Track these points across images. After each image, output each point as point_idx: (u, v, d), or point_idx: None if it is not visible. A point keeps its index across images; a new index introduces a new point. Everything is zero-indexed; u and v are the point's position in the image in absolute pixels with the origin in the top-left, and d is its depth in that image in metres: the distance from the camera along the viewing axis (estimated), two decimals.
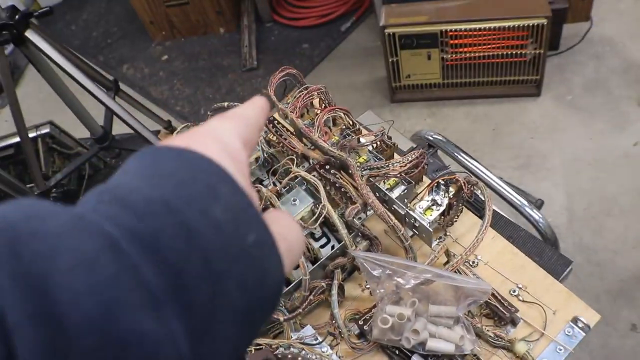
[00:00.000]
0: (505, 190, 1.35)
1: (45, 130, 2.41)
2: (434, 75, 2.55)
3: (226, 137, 0.39)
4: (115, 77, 2.22)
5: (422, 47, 2.43)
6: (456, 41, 2.43)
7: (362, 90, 2.79)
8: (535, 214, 1.33)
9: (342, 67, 2.95)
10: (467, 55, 2.47)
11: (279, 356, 0.85)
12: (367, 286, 1.07)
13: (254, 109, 0.45)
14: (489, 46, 2.43)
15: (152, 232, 0.29)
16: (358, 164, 1.07)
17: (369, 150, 1.15)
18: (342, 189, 1.06)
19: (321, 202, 1.00)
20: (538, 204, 1.59)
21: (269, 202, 1.05)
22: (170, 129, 2.18)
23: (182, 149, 0.35)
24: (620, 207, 2.20)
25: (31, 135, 2.35)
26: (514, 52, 2.43)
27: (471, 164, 1.40)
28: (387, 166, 1.02)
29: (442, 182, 1.05)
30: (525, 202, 1.34)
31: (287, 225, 0.39)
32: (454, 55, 2.48)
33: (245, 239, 0.32)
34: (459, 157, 1.42)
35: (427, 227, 1.02)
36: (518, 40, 2.38)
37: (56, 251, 0.27)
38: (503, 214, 1.29)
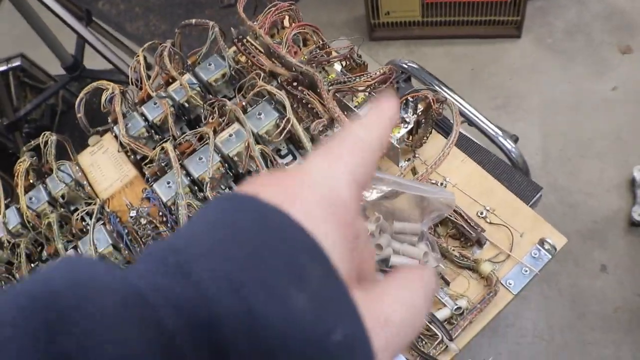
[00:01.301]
0: (478, 118, 1.33)
1: (17, 63, 2.35)
2: (413, 12, 2.49)
3: (335, 190, 0.30)
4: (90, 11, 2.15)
5: None
6: None
7: (340, 28, 2.73)
8: (507, 143, 1.31)
9: (322, 4, 2.88)
10: None
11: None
12: None
13: (379, 122, 0.35)
14: None
15: (213, 321, 0.24)
16: (326, 80, 1.04)
17: (338, 69, 1.12)
18: (309, 105, 1.03)
19: (286, 116, 0.97)
20: (513, 139, 1.56)
21: (233, 115, 1.01)
22: None
23: (269, 206, 0.28)
24: (596, 150, 2.19)
25: (2, 68, 2.29)
26: None
27: (445, 92, 1.37)
28: (355, 79, 0.98)
29: (411, 100, 1.02)
30: (499, 132, 1.32)
31: (401, 301, 0.30)
32: None
33: (328, 337, 0.25)
34: (434, 85, 1.39)
35: (394, 144, 0.99)
36: None
37: (98, 341, 0.23)
38: (476, 140, 1.27)
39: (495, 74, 2.48)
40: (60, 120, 2.61)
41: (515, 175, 1.17)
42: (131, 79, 1.19)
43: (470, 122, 1.32)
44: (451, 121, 1.07)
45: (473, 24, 2.53)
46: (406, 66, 1.44)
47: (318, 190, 0.30)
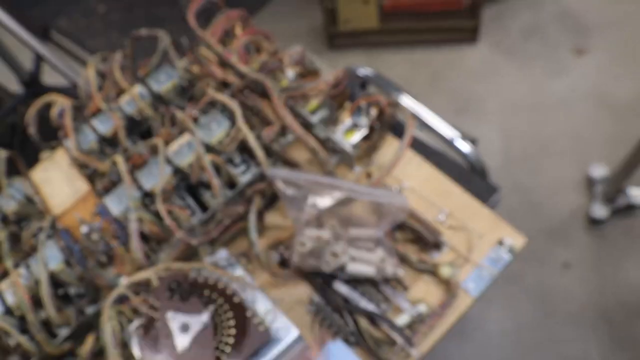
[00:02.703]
0: (434, 121, 1.33)
1: None
2: (371, 21, 2.50)
3: None
4: (50, 29, 2.12)
5: None
6: None
7: (300, 38, 2.73)
8: (464, 146, 1.31)
9: (281, 15, 2.88)
10: (404, 1, 2.43)
11: (190, 280, 0.81)
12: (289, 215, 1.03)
13: None
14: None
15: None
16: (278, 87, 1.03)
17: (291, 76, 1.11)
18: (261, 113, 1.02)
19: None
20: (471, 141, 1.57)
21: (184, 126, 1.00)
22: None
23: None
24: (556, 149, 2.21)
25: None
26: None
27: (401, 96, 1.36)
28: (306, 85, 0.98)
29: (364, 105, 1.02)
30: (456, 134, 1.32)
31: None
32: (391, 1, 2.43)
33: None
34: (390, 89, 1.39)
35: (348, 150, 0.99)
36: None
37: None
38: (434, 144, 1.27)
39: (454, 79, 2.50)
40: (22, 137, 2.56)
41: (472, 178, 1.17)
42: (82, 91, 1.16)
43: (426, 126, 1.32)
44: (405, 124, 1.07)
45: (431, 31, 2.55)
46: (361, 74, 1.44)
47: None
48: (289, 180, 0.88)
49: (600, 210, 1.99)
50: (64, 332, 0.95)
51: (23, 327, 0.94)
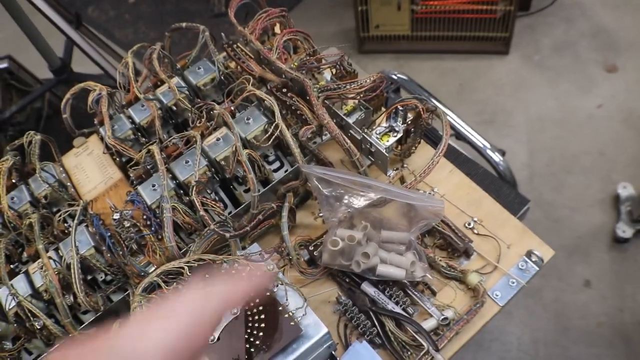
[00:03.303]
0: (466, 131, 1.33)
1: (4, 65, 2.33)
2: (403, 26, 2.50)
3: None
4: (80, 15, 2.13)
5: None
6: None
7: (330, 41, 2.73)
8: (495, 156, 1.31)
9: (311, 17, 2.89)
10: (438, 8, 2.43)
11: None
12: (320, 214, 1.03)
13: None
14: (460, 0, 2.39)
15: None
16: (316, 87, 1.03)
17: (328, 77, 1.11)
18: (298, 112, 1.03)
19: (275, 121, 0.96)
20: (500, 153, 1.56)
21: (221, 120, 1.00)
22: None
23: None
24: (580, 166, 2.20)
25: None
26: (484, 8, 2.39)
27: (434, 102, 1.36)
28: (344, 87, 0.98)
29: (401, 109, 1.02)
30: (487, 144, 1.32)
31: None
32: (424, 8, 2.44)
33: None
34: (422, 96, 1.39)
35: (383, 152, 0.99)
36: None
37: None
38: (464, 152, 1.27)
39: (482, 90, 2.49)
40: (46, 124, 2.58)
41: (502, 188, 1.17)
42: (119, 82, 1.17)
43: (459, 134, 1.32)
44: (440, 132, 1.07)
45: (462, 39, 2.54)
46: (396, 77, 1.44)
47: None
48: (325, 178, 0.88)
49: (624, 230, 1.98)
50: (88, 317, 0.96)
51: (49, 310, 0.95)
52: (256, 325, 0.78)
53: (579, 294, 1.92)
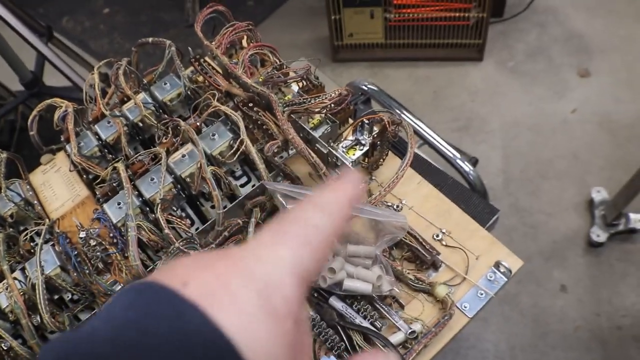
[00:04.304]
0: (436, 141, 1.33)
1: None
2: (376, 35, 2.51)
3: (274, 285, 0.27)
4: (54, 29, 2.12)
5: (365, 5, 2.38)
6: (400, 1, 2.39)
7: (304, 49, 2.74)
8: (465, 166, 1.31)
9: (286, 26, 2.89)
10: (411, 16, 2.44)
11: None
12: None
13: (338, 205, 0.32)
14: (433, 8, 2.40)
15: None
16: (281, 102, 1.03)
17: (295, 90, 1.11)
18: (264, 127, 1.02)
19: (240, 137, 0.96)
20: (472, 162, 1.57)
21: (187, 136, 1.00)
22: None
23: (188, 304, 0.24)
24: (555, 171, 2.22)
25: None
26: (457, 15, 2.41)
27: (403, 114, 1.37)
28: (309, 101, 0.98)
29: (367, 122, 1.02)
30: (457, 154, 1.33)
31: None
32: (397, 16, 2.44)
33: None
34: (392, 107, 1.39)
35: (349, 166, 0.99)
36: (462, 3, 2.37)
37: None
38: (434, 163, 1.27)
39: (457, 96, 2.50)
40: (20, 136, 2.56)
41: (472, 198, 1.17)
42: (86, 96, 1.17)
43: (429, 144, 1.33)
44: (408, 142, 1.08)
45: (435, 46, 2.55)
46: (366, 88, 1.44)
47: (253, 285, 0.26)
48: (289, 194, 0.88)
49: (599, 234, 1.99)
50: (57, 336, 0.96)
51: (15, 331, 0.94)
52: None
53: (556, 299, 1.93)
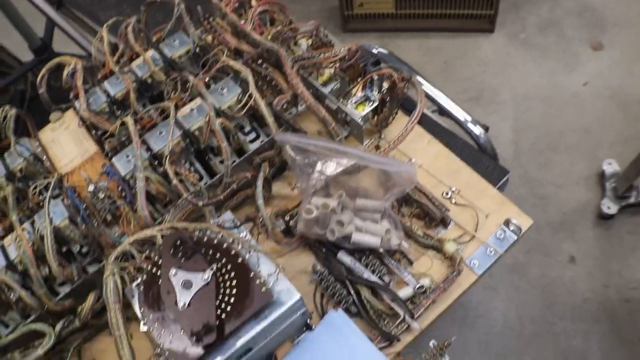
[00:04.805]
0: (447, 104, 1.32)
1: None
2: (387, 4, 2.49)
3: None
4: None
5: None
6: None
7: (314, 18, 2.72)
8: (476, 129, 1.30)
9: None
10: None
11: (194, 239, 0.81)
12: (297, 184, 1.03)
13: None
14: None
15: None
16: (290, 57, 1.02)
17: (304, 48, 1.10)
18: (273, 83, 1.02)
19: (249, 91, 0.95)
20: (483, 129, 1.56)
21: (196, 91, 1.00)
22: None
23: None
24: (566, 144, 2.20)
25: None
26: None
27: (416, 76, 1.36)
28: (319, 56, 0.97)
29: (376, 78, 1.01)
30: (468, 117, 1.32)
31: None
32: None
33: None
34: (403, 70, 1.38)
35: (358, 121, 0.98)
36: None
37: None
38: (445, 124, 1.26)
39: (468, 67, 2.48)
40: (30, 105, 2.57)
41: (482, 159, 1.17)
42: (94, 57, 1.16)
43: (439, 107, 1.32)
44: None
45: (447, 17, 2.53)
46: (376, 52, 1.43)
47: None
48: (299, 146, 0.88)
49: (609, 206, 1.98)
50: (65, 289, 0.96)
51: (25, 283, 0.94)
52: (227, 292, 0.77)
53: (564, 270, 1.93)
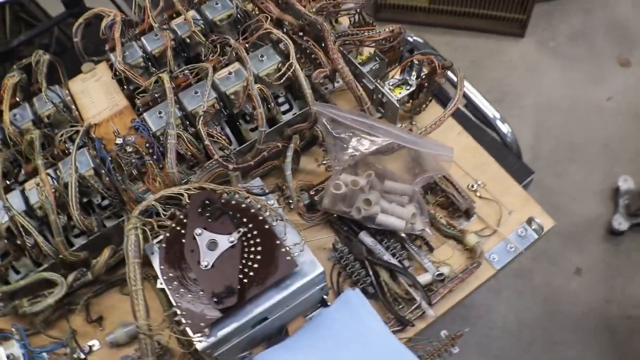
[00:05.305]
0: (478, 99, 1.31)
1: None
2: None
3: None
4: None
5: None
6: None
7: None
8: (504, 127, 1.29)
9: None
10: None
11: (222, 201, 0.81)
12: (324, 161, 1.02)
13: None
14: None
15: None
16: (333, 32, 1.01)
17: (346, 26, 1.10)
18: (313, 56, 1.01)
19: (289, 61, 0.94)
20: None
21: (234, 56, 0.99)
22: None
23: None
24: (584, 156, 2.19)
25: None
26: None
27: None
28: (362, 33, 0.96)
29: (417, 63, 1.00)
30: (497, 114, 1.31)
31: None
32: None
33: None
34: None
35: (395, 103, 0.97)
36: None
37: None
38: (474, 119, 1.26)
39: (494, 69, 2.47)
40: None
41: (508, 157, 1.16)
42: (134, 11, 1.15)
43: (469, 102, 1.31)
44: (451, 95, 1.07)
45: (479, 17, 2.51)
46: (411, 39, 1.42)
47: None
48: (336, 119, 0.87)
49: (621, 222, 1.97)
50: (80, 241, 0.96)
51: (41, 230, 0.93)
52: (252, 257, 0.77)
53: (569, 281, 1.92)
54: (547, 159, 2.18)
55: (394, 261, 0.91)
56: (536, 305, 1.88)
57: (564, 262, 1.96)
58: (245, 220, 0.79)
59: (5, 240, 0.93)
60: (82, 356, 0.92)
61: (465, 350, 1.81)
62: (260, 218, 0.79)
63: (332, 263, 0.95)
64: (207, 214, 0.79)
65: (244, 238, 0.78)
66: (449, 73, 1.06)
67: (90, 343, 0.96)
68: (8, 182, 1.00)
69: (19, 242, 0.93)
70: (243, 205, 0.80)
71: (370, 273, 0.90)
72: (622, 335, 1.83)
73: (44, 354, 0.88)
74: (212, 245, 0.77)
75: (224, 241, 0.76)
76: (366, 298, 0.88)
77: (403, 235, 0.93)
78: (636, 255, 1.96)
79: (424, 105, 1.06)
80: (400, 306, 0.90)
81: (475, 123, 1.20)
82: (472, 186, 1.03)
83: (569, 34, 2.57)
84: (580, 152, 2.21)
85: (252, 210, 0.80)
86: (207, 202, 0.79)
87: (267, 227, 0.78)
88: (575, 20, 2.61)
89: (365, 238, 0.93)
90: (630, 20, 2.59)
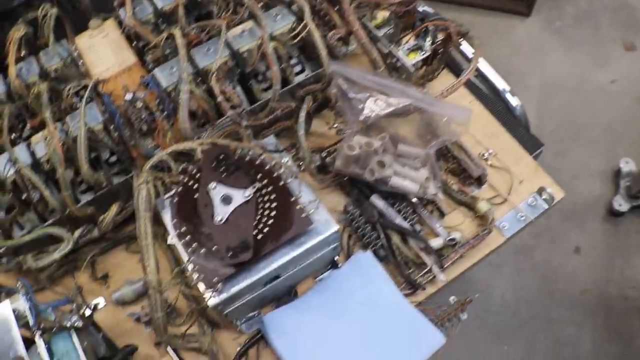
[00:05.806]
0: (488, 70, 1.30)
1: None
2: None
3: None
4: None
5: None
6: None
7: None
8: (514, 100, 1.28)
9: None
10: None
11: (237, 156, 0.79)
12: (335, 125, 1.01)
13: None
14: None
15: None
16: None
17: None
18: (327, 17, 1.00)
19: (303, 21, 0.93)
20: None
21: (247, 14, 0.97)
22: None
23: None
24: (586, 137, 2.19)
25: None
26: None
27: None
28: None
29: (432, 28, 0.99)
30: (507, 86, 1.29)
31: None
32: None
33: None
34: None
35: (409, 67, 0.96)
36: None
37: None
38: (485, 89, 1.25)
39: (499, 47, 2.45)
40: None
41: (518, 128, 1.15)
42: None
43: (480, 73, 1.29)
44: (462, 65, 1.05)
45: None
46: (421, 10, 1.40)
47: None
48: (353, 78, 0.86)
49: (621, 204, 1.97)
50: (87, 197, 0.94)
51: (47, 185, 0.91)
52: (266, 213, 0.76)
53: (568, 259, 1.92)
54: (549, 138, 2.17)
55: (405, 225, 0.90)
56: (535, 282, 1.89)
57: (565, 240, 1.96)
58: (259, 176, 0.78)
59: (11, 194, 0.92)
60: (89, 312, 0.91)
61: (464, 323, 1.81)
62: (275, 175, 0.78)
63: (343, 225, 0.94)
64: (222, 169, 0.78)
65: (258, 194, 0.77)
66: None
67: (95, 301, 0.95)
68: (12, 137, 0.98)
69: (24, 196, 0.91)
70: (257, 162, 0.79)
71: (382, 236, 0.90)
72: (618, 314, 1.83)
73: (50, 309, 0.87)
74: (227, 200, 0.76)
75: (239, 196, 0.75)
76: (377, 260, 0.88)
77: (415, 200, 0.93)
78: (635, 237, 1.96)
79: (437, 72, 1.05)
80: (411, 270, 0.89)
81: (485, 94, 1.19)
82: (484, 155, 1.02)
83: (575, 15, 2.55)
84: (583, 133, 2.20)
85: (267, 167, 0.79)
86: (221, 157, 0.78)
87: (281, 183, 0.78)
88: (581, 1, 2.59)
89: (377, 201, 0.92)
90: (637, 4, 2.58)
